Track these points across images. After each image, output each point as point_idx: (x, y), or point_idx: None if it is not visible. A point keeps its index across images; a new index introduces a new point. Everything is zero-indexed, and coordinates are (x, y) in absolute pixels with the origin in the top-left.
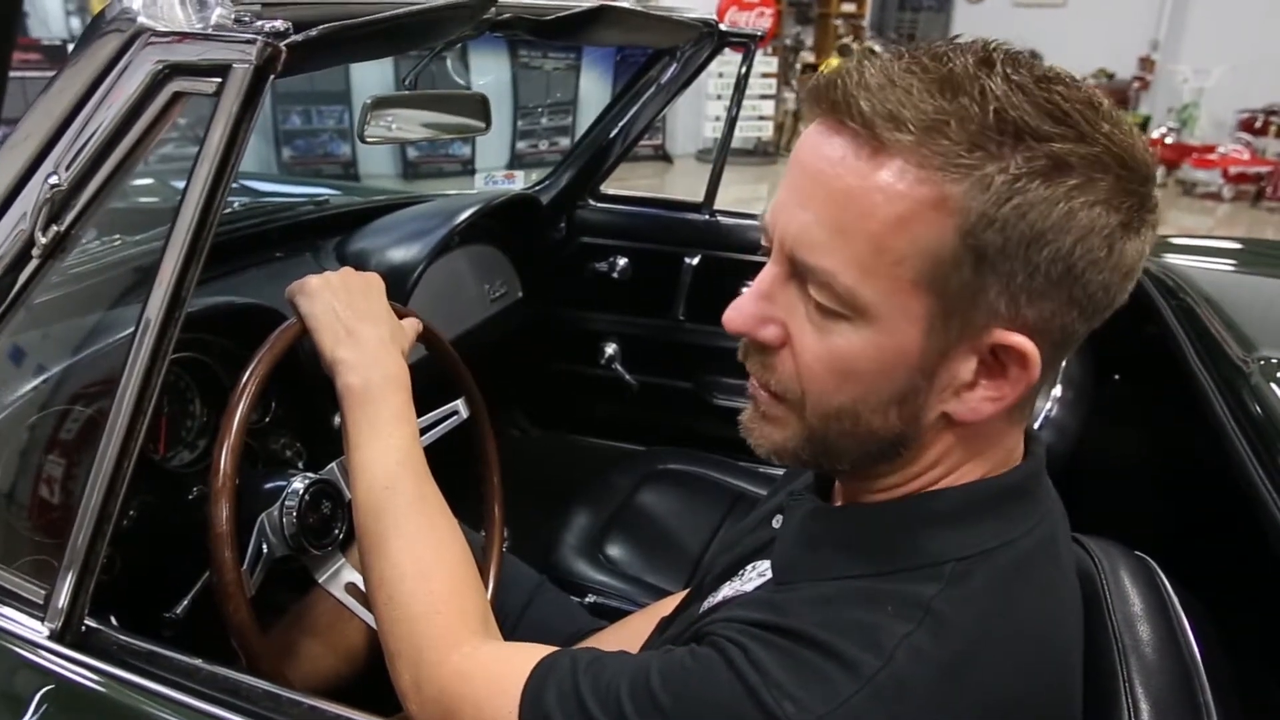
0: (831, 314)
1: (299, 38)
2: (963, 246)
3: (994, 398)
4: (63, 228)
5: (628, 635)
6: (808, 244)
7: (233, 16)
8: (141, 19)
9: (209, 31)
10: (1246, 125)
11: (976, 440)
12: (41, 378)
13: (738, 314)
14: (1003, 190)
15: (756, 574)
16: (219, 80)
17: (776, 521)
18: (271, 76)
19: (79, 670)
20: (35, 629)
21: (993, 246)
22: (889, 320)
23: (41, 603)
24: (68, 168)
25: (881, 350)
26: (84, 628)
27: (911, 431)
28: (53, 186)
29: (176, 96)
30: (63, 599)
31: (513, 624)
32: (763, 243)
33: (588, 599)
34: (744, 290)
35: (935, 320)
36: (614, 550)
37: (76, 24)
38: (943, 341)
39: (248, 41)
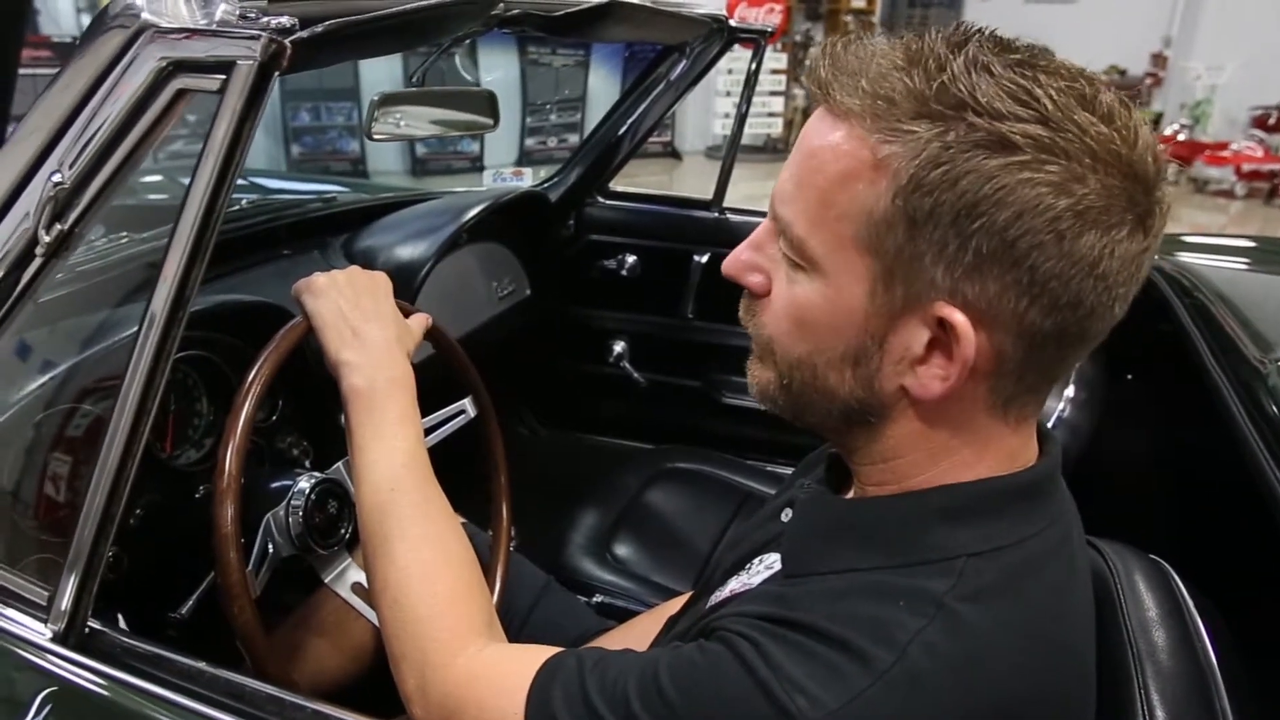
0: (795, 265)
1: (304, 34)
2: (894, 208)
3: (942, 376)
4: (66, 226)
5: (636, 636)
6: (780, 196)
7: (237, 12)
8: (145, 15)
9: (213, 27)
10: (1260, 122)
11: (957, 430)
12: (48, 375)
13: (731, 260)
14: (934, 156)
15: (764, 567)
16: (223, 77)
17: (785, 515)
18: (276, 73)
19: (81, 673)
20: (38, 631)
21: (921, 211)
22: (836, 275)
23: (44, 604)
24: (71, 166)
25: (831, 304)
26: (87, 629)
27: (872, 401)
28: (56, 185)
29: (180, 94)
30: (66, 601)
31: (520, 624)
32: None
33: (595, 599)
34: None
35: (878, 282)
36: (622, 550)
37: (87, 21)
38: (887, 305)
39: (252, 38)
